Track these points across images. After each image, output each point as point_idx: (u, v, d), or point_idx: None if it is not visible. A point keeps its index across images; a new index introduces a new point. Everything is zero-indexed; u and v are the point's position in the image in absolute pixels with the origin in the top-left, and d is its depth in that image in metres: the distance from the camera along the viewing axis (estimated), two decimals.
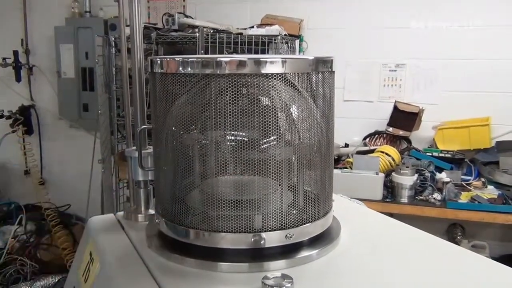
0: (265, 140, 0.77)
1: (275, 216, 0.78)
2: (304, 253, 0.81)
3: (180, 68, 0.78)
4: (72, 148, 3.74)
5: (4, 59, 3.60)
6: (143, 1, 3.45)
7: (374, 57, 3.06)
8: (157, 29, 2.69)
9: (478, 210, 2.33)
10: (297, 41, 3.04)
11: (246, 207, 0.77)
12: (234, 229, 0.77)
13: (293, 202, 0.83)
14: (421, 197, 2.46)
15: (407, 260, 0.84)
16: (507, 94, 2.85)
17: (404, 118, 2.86)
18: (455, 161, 2.73)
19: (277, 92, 0.78)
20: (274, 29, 2.68)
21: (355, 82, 3.10)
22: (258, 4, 3.22)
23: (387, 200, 2.45)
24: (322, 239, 0.85)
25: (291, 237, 0.79)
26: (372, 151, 2.77)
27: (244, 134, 0.77)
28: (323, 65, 0.82)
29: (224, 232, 0.77)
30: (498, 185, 2.55)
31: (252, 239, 0.76)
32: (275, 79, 0.76)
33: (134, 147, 1.01)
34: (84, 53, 3.41)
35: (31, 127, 3.75)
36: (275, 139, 0.78)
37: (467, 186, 2.53)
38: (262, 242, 0.77)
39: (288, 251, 0.80)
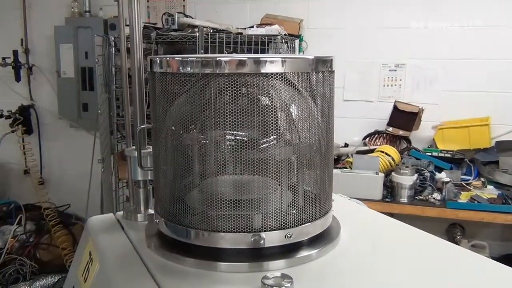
0: (264, 140, 0.77)
1: (274, 216, 0.78)
2: (304, 253, 0.80)
3: (180, 68, 0.78)
4: (72, 148, 3.74)
5: (3, 58, 3.60)
6: (143, 1, 3.45)
7: (374, 57, 3.06)
8: (157, 29, 2.69)
9: (478, 210, 2.33)
10: (297, 41, 3.04)
11: (246, 207, 0.77)
12: (234, 229, 0.77)
13: (292, 202, 0.83)
14: (421, 197, 2.46)
15: (407, 260, 0.84)
16: (507, 94, 2.85)
17: (404, 118, 2.86)
18: (455, 161, 2.73)
19: (277, 92, 0.77)
20: (274, 29, 2.68)
21: (355, 82, 3.10)
22: (258, 4, 3.22)
23: (387, 200, 2.45)
24: (321, 239, 0.85)
25: (290, 236, 0.79)
26: (372, 151, 2.77)
27: (243, 133, 0.77)
28: (323, 64, 0.82)
29: (224, 232, 0.77)
30: (498, 185, 2.55)
31: (252, 239, 0.76)
32: (274, 78, 0.76)
33: (134, 147, 1.01)
34: (84, 53, 3.41)
35: (30, 126, 3.74)
36: (274, 138, 0.78)
37: (467, 186, 2.53)
38: (262, 242, 0.76)
39: (287, 251, 0.80)
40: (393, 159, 2.62)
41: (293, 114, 0.81)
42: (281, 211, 0.79)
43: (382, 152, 2.66)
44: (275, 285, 0.67)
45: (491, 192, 2.47)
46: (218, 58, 0.75)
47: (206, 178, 0.81)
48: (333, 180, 0.91)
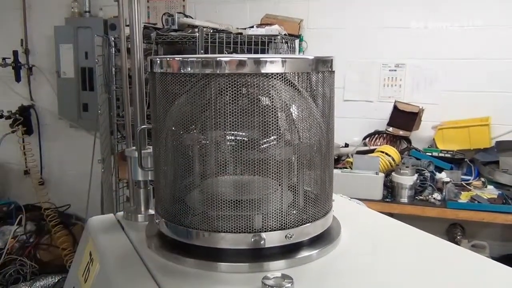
0: (265, 140, 0.77)
1: (275, 216, 0.78)
2: (304, 253, 0.80)
3: (180, 68, 0.78)
4: (72, 148, 3.74)
5: (3, 59, 3.60)
6: (143, 1, 3.45)
7: (374, 57, 3.06)
8: (157, 29, 2.69)
9: (478, 210, 2.33)
10: (297, 41, 3.04)
11: (246, 207, 0.77)
12: (234, 229, 0.77)
13: (293, 202, 0.83)
14: (421, 197, 2.46)
15: (407, 260, 0.84)
16: (507, 94, 2.85)
17: (404, 118, 2.86)
18: (455, 161, 2.73)
19: (277, 92, 0.77)
20: (274, 29, 2.68)
21: (355, 82, 3.10)
22: (258, 4, 3.22)
23: (387, 200, 2.45)
24: (322, 239, 0.85)
25: (291, 237, 0.79)
26: (372, 151, 2.77)
27: (244, 134, 0.77)
28: (323, 64, 0.82)
29: (224, 232, 0.77)
30: (498, 185, 2.55)
31: (252, 239, 0.76)
32: (275, 78, 0.76)
33: (134, 147, 1.01)
34: (84, 53, 3.41)
35: (30, 127, 3.75)
36: (275, 139, 0.77)
37: (467, 186, 2.53)
38: (262, 242, 0.76)
39: (288, 251, 0.80)
40: (393, 159, 2.62)
41: (293, 114, 0.81)
42: (282, 211, 0.79)
43: (382, 152, 2.66)
44: (276, 286, 0.67)
45: (491, 192, 2.47)
46: (218, 58, 0.75)
47: (207, 178, 0.81)
48: (333, 180, 0.91)
